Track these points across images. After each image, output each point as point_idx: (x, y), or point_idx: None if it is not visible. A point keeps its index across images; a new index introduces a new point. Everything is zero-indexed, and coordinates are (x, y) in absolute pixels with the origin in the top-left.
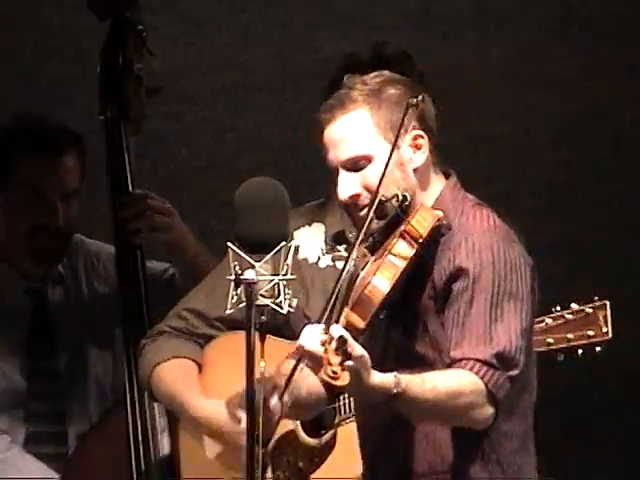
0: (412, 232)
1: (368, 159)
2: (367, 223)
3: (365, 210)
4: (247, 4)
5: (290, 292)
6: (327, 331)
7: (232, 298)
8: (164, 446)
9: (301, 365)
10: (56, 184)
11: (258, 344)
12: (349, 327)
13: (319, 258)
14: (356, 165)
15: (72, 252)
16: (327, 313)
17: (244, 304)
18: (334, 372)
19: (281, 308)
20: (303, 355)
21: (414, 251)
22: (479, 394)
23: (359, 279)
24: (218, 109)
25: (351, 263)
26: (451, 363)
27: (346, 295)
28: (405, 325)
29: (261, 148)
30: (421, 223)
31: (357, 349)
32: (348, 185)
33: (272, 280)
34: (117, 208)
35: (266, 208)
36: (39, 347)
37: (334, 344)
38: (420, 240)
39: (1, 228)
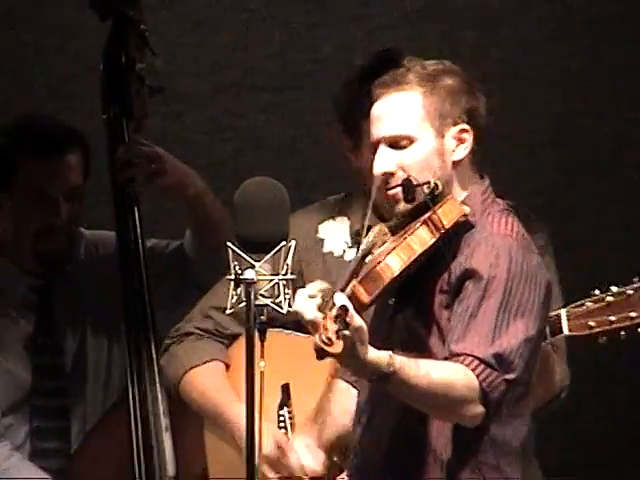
0: (436, 221)
1: (410, 140)
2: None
3: (394, 190)
4: (247, 4)
5: (290, 292)
6: (331, 296)
7: (232, 298)
8: (167, 445)
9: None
10: (59, 183)
11: (280, 343)
12: (353, 299)
13: (344, 251)
14: (397, 143)
15: (74, 246)
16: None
17: (244, 304)
18: (329, 338)
19: (281, 308)
20: (302, 320)
21: (434, 240)
22: (471, 390)
23: (374, 254)
24: (218, 109)
25: (366, 239)
26: (449, 356)
27: (357, 267)
28: (412, 313)
29: (261, 148)
30: (447, 215)
31: (356, 320)
32: (385, 161)
33: (272, 280)
34: (119, 206)
35: (266, 208)
36: (43, 343)
37: (334, 311)
38: (442, 230)
39: (6, 229)
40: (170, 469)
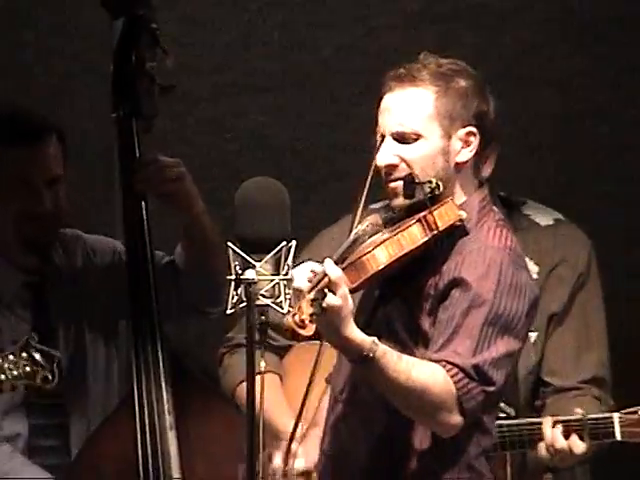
0: (431, 221)
1: (417, 136)
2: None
3: (395, 183)
4: (248, 4)
5: (290, 292)
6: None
7: (232, 298)
8: (172, 443)
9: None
10: (40, 171)
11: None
12: None
13: None
14: (404, 138)
15: (70, 247)
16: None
17: (244, 304)
18: (302, 320)
19: (281, 308)
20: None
21: (425, 239)
22: (449, 396)
23: (363, 244)
24: (219, 109)
25: (359, 226)
26: (429, 361)
27: (345, 253)
28: (395, 311)
29: (261, 148)
30: (443, 217)
31: (334, 297)
32: (389, 154)
33: (272, 280)
34: (128, 206)
35: (266, 208)
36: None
37: (313, 294)
38: (435, 232)
39: None
40: (175, 468)
